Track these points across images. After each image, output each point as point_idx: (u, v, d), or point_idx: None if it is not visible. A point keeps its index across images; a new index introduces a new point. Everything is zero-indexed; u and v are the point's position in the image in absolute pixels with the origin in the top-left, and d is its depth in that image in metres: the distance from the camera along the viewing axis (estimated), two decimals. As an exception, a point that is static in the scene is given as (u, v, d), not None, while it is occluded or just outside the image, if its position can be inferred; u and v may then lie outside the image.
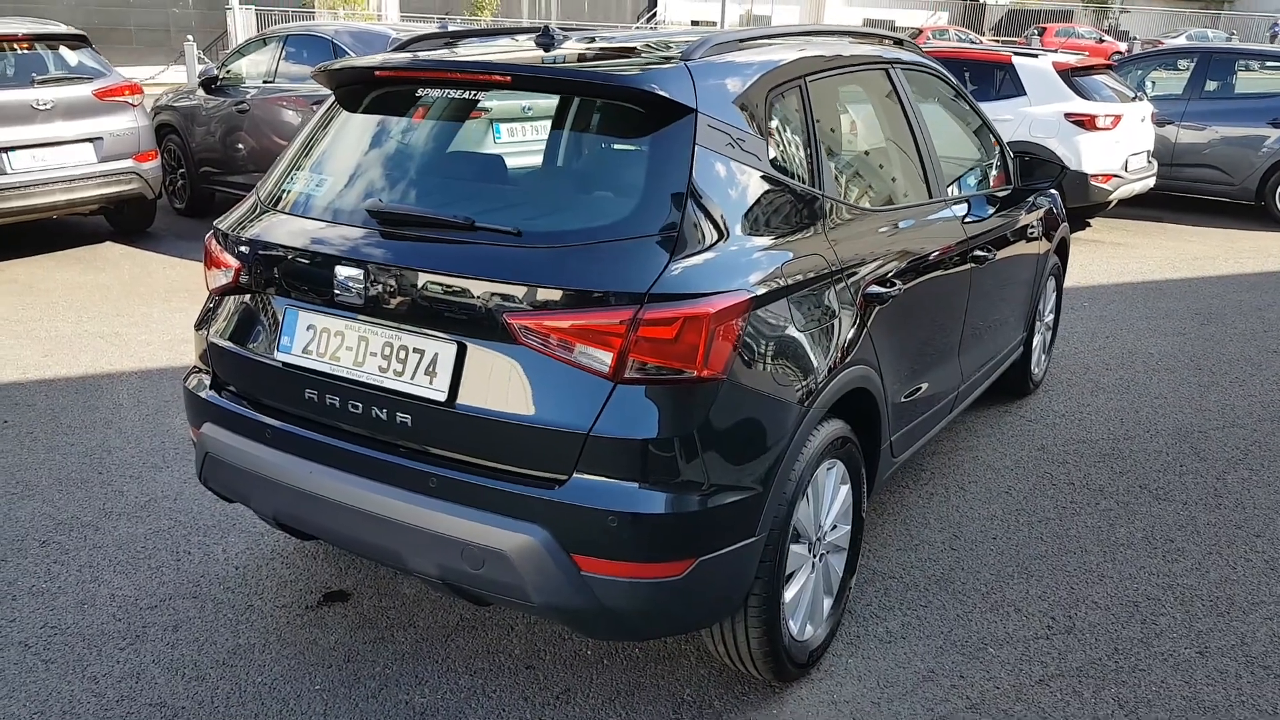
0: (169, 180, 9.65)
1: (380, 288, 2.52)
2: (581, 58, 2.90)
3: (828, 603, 3.00)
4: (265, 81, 8.81)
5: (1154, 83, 11.99)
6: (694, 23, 38.59)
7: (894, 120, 3.65)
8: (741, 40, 2.98)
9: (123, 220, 8.72)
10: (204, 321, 3.03)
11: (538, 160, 3.03)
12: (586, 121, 2.77)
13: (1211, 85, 11.11)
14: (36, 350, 5.76)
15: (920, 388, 3.51)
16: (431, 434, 2.50)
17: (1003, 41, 39.61)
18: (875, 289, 2.98)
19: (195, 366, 3.10)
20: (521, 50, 3.18)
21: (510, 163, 2.90)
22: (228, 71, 9.26)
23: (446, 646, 3.07)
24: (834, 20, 41.67)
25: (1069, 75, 9.44)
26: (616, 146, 2.70)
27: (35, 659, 2.97)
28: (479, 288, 2.41)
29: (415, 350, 2.50)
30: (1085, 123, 9.16)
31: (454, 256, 2.47)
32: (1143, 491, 4.23)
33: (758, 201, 2.64)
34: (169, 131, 9.56)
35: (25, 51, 7.83)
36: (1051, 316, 5.42)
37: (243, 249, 2.84)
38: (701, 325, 2.30)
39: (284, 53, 8.84)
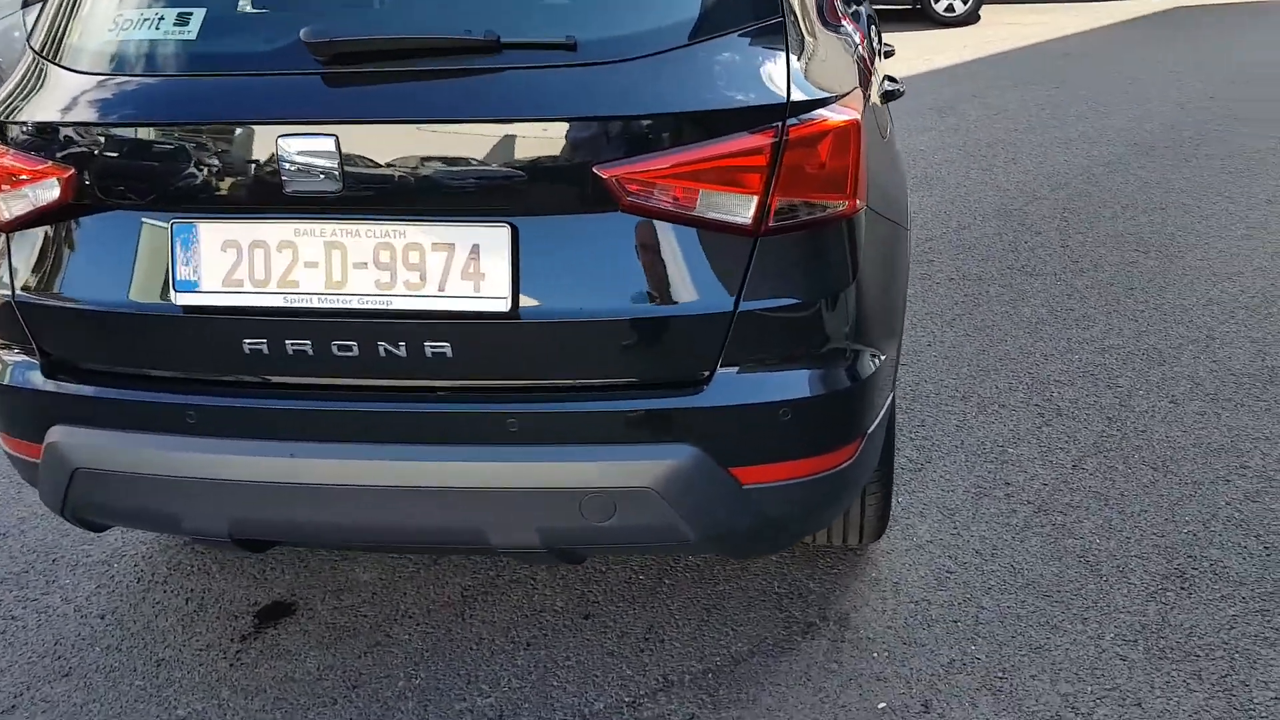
0: None
1: (360, 165, 1.72)
2: None
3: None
4: None
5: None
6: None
7: None
8: None
9: None
10: None
11: None
12: None
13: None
14: None
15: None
16: (493, 361, 1.81)
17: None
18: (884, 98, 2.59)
19: None
20: None
21: None
22: None
23: (467, 625, 2.42)
24: None
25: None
26: None
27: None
28: (530, 134, 1.71)
29: (437, 247, 1.76)
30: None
31: (481, 94, 1.74)
32: (1014, 271, 4.34)
33: None
34: None
35: None
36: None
37: (66, 139, 1.84)
38: (849, 138, 1.79)
39: None
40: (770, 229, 1.76)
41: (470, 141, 1.74)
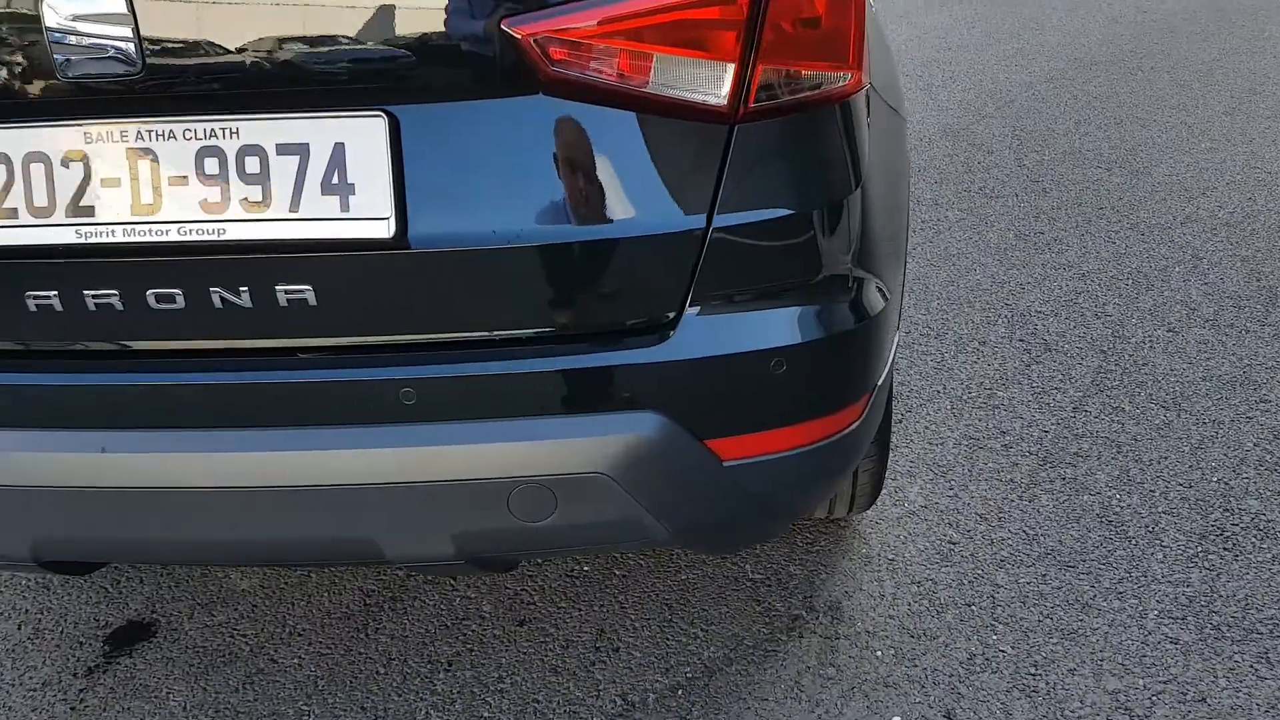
0: None
1: (166, 35, 1.19)
2: None
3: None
4: None
5: None
6: None
7: None
8: None
9: None
10: None
11: None
12: None
13: None
14: None
15: None
16: (374, 308, 1.30)
17: None
18: None
19: None
20: None
21: None
22: None
23: (371, 642, 1.94)
24: None
25: None
26: None
27: None
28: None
29: (285, 150, 1.24)
30: None
31: None
32: (973, 194, 3.93)
33: None
34: None
35: None
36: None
37: None
38: None
39: None
40: (751, 112, 1.27)
41: (323, -9, 1.21)
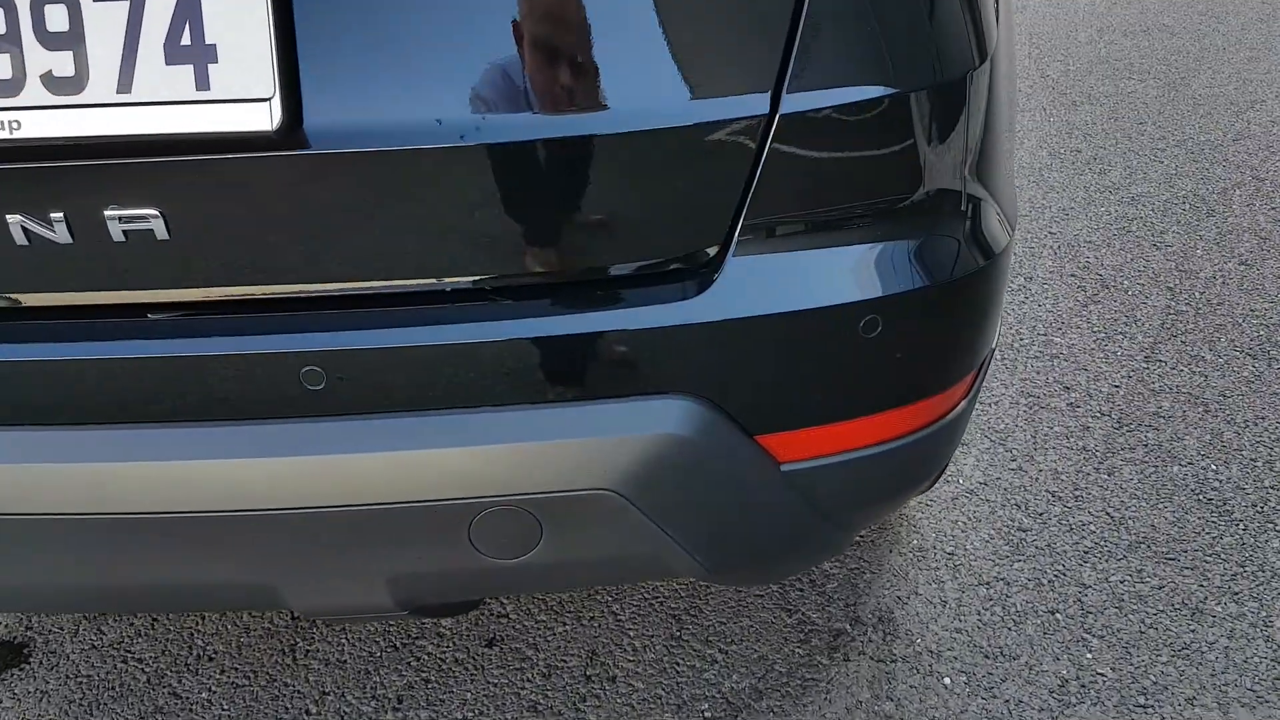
0: None
1: None
2: None
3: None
4: None
5: None
6: None
7: None
8: None
9: None
10: None
11: None
12: None
13: None
14: None
15: None
16: (253, 243, 0.86)
17: None
18: None
19: None
20: None
21: None
22: None
23: (299, 671, 1.53)
24: None
25: None
26: None
27: None
28: None
29: None
30: None
31: None
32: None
33: None
34: None
35: None
36: None
37: None
38: None
39: None
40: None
41: None
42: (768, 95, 0.84)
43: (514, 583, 1.06)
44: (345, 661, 1.54)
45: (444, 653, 1.54)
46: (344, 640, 1.57)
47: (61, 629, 1.64)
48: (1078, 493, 1.78)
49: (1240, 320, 2.25)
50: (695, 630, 1.55)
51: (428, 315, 0.86)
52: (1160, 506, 1.75)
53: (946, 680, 1.46)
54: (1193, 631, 1.52)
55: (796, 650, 1.51)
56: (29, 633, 1.65)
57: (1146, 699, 1.42)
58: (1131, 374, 2.09)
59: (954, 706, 1.42)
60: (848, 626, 1.55)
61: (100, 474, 0.86)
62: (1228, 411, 1.97)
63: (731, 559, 1.01)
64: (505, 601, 1.61)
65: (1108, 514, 1.74)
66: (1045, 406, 2.00)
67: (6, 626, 1.66)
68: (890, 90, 0.87)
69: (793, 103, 0.84)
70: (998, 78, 0.97)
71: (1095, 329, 2.24)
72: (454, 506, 0.88)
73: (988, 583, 1.61)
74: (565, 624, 1.58)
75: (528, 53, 0.81)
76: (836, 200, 0.90)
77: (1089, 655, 1.49)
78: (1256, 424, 1.93)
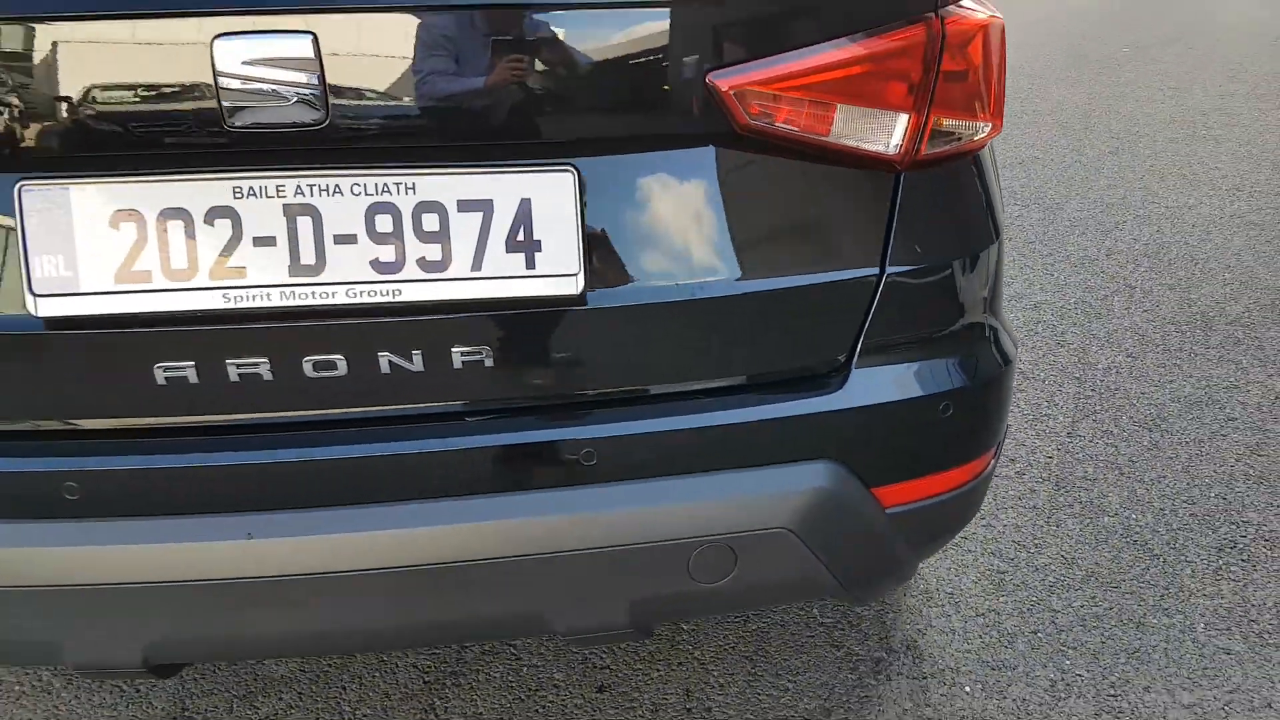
0: None
1: (351, 82, 1.11)
2: None
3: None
4: None
5: None
6: None
7: None
8: None
9: None
10: None
11: None
12: None
13: None
14: None
15: None
16: (554, 367, 1.24)
17: None
18: None
19: None
20: None
21: None
22: None
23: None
24: None
25: None
26: None
27: None
28: (609, 28, 1.16)
29: (466, 206, 1.17)
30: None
31: None
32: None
33: None
34: None
35: None
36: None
37: None
38: (999, 38, 1.35)
39: None
40: (919, 160, 1.29)
41: (516, 39, 1.15)
42: (877, 267, 1.29)
43: (709, 604, 1.42)
44: (480, 714, 1.85)
45: (564, 700, 1.87)
46: (474, 697, 1.87)
47: (215, 707, 1.88)
48: (1036, 541, 2.25)
49: (1135, 401, 2.81)
50: (766, 667, 1.92)
51: (667, 410, 1.26)
52: (1100, 548, 2.23)
53: (967, 689, 1.87)
54: (1139, 639, 1.98)
55: (848, 676, 1.90)
56: (186, 713, 1.88)
57: (1114, 690, 1.87)
58: (1060, 447, 2.60)
59: (976, 708, 1.83)
60: (884, 654, 1.95)
61: (450, 534, 1.20)
62: (1137, 473, 2.49)
63: (857, 580, 1.41)
64: (606, 654, 1.95)
65: (1062, 556, 2.21)
66: (997, 475, 2.48)
67: (164, 709, 1.89)
68: (948, 259, 1.35)
69: (893, 268, 1.30)
70: (1003, 246, 1.45)
71: (1025, 412, 2.76)
72: (682, 545, 1.26)
73: (983, 614, 2.05)
74: (659, 669, 1.93)
75: (737, 234, 1.24)
76: (919, 328, 1.36)
77: (1067, 662, 1.93)
78: (1160, 481, 2.46)
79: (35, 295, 1.13)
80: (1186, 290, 3.48)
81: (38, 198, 1.12)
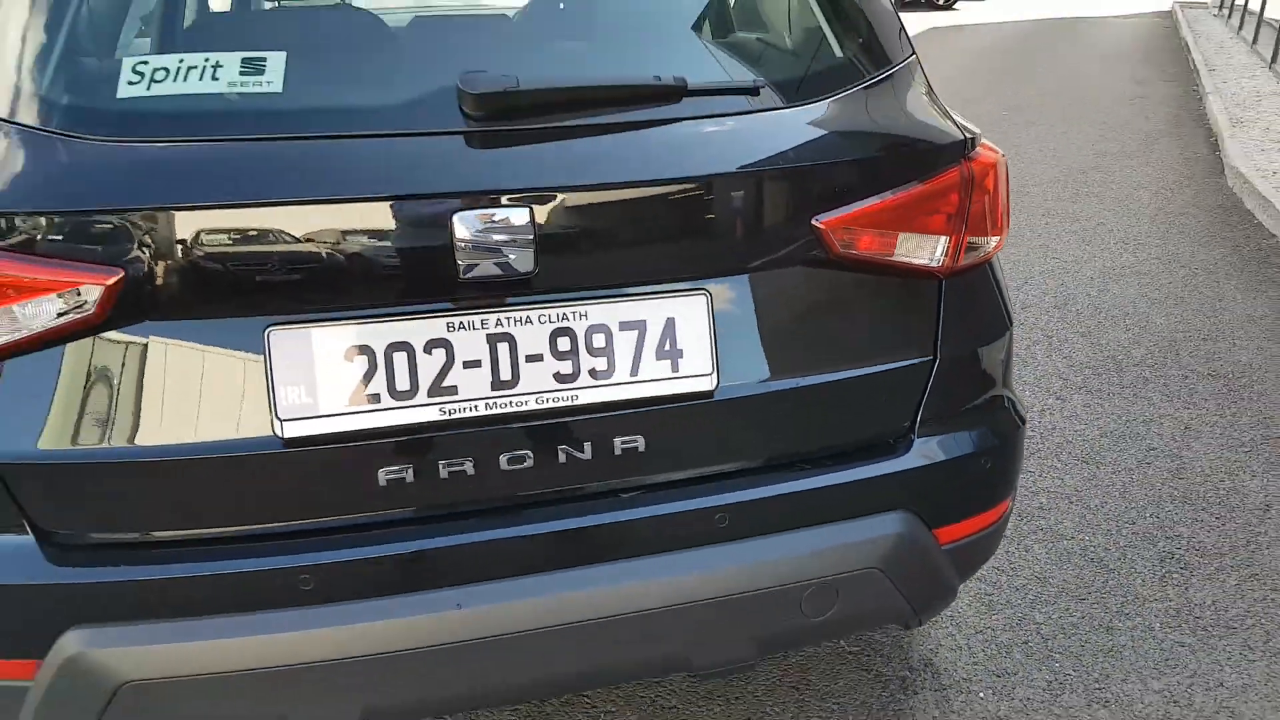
0: None
1: (553, 240, 1.41)
2: None
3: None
4: None
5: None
6: None
7: None
8: None
9: None
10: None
11: None
12: None
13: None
14: None
15: None
16: (693, 448, 1.54)
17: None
18: None
19: None
20: None
21: None
22: None
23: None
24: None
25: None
26: None
27: None
28: (737, 188, 1.49)
29: (626, 326, 1.47)
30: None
31: (679, 147, 1.47)
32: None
33: None
34: None
35: None
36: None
37: (103, 234, 1.31)
38: (1003, 172, 1.75)
39: None
40: (955, 270, 1.66)
41: (665, 202, 1.47)
42: (932, 354, 1.65)
43: (815, 635, 1.72)
44: (571, 755, 2.09)
45: (644, 736, 2.13)
46: (564, 741, 2.12)
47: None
48: (1012, 565, 2.63)
49: (1070, 439, 3.25)
50: (811, 695, 2.23)
51: (783, 477, 1.57)
52: (1065, 567, 2.62)
53: (981, 694, 2.21)
54: (1111, 640, 2.37)
55: (881, 694, 2.22)
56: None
57: (1099, 684, 2.24)
58: (1016, 483, 3.01)
59: (992, 709, 2.17)
60: (907, 673, 2.28)
61: (620, 591, 1.48)
62: (1083, 500, 2.91)
63: (924, 605, 1.73)
64: (671, 695, 2.22)
65: (1036, 577, 2.59)
66: (971, 511, 2.86)
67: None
68: (980, 344, 1.71)
69: (944, 351, 1.65)
70: (1012, 332, 1.83)
71: (982, 454, 3.16)
72: (799, 586, 1.56)
73: (980, 631, 2.40)
74: (719, 705, 2.20)
75: (832, 334, 1.59)
76: (962, 399, 1.71)
77: (1056, 664, 2.29)
78: (1103, 507, 2.88)
79: (281, 420, 1.37)
80: (1096, 337, 3.99)
81: (284, 338, 1.36)
